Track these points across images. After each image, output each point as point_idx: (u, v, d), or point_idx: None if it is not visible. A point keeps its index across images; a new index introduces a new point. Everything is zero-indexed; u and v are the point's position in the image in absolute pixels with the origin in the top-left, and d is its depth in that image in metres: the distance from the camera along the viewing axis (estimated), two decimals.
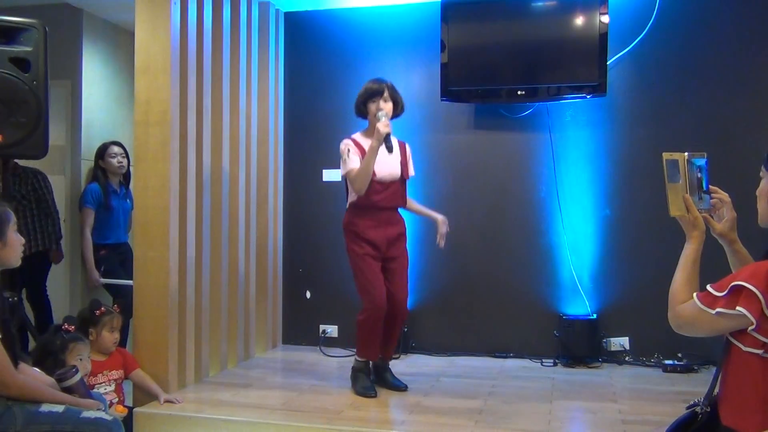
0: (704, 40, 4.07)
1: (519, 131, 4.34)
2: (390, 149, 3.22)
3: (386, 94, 3.32)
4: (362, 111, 3.39)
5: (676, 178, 1.79)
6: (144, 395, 3.23)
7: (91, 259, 4.27)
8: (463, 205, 4.38)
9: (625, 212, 4.18)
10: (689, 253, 1.76)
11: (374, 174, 3.27)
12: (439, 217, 3.50)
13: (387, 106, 3.31)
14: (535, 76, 4.11)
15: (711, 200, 1.86)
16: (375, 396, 3.33)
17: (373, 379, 3.48)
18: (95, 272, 4.26)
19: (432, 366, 3.99)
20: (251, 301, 4.26)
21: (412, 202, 3.59)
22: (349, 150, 3.31)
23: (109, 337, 3.12)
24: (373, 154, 3.21)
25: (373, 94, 3.33)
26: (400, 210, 3.50)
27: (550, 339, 4.17)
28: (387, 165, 3.33)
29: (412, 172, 3.51)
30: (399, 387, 3.46)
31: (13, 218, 2.28)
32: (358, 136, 3.41)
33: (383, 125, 3.19)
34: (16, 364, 2.23)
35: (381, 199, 3.34)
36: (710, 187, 1.85)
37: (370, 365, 3.49)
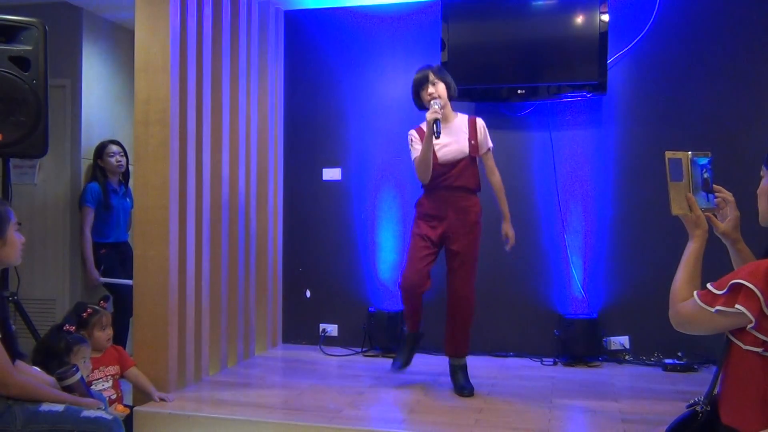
0: (704, 38, 4.06)
1: (519, 130, 4.34)
2: (437, 136, 3.20)
3: (432, 78, 3.34)
4: (417, 103, 3.45)
5: (679, 176, 1.79)
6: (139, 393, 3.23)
7: (91, 258, 4.26)
8: None
9: (625, 211, 4.17)
10: (691, 251, 1.76)
11: (436, 158, 3.34)
12: (507, 231, 3.54)
13: (438, 88, 3.32)
14: (535, 75, 4.11)
15: (715, 199, 1.86)
16: (398, 368, 3.51)
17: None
18: (95, 271, 4.26)
19: (432, 366, 3.98)
20: (251, 301, 4.26)
21: (498, 189, 3.52)
22: (412, 140, 3.42)
23: (102, 335, 3.09)
24: (428, 143, 3.25)
25: (420, 83, 3.37)
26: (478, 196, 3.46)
27: (550, 338, 4.17)
28: (448, 146, 3.36)
29: (486, 146, 3.47)
30: (462, 390, 3.39)
31: (14, 217, 2.28)
32: (423, 124, 3.38)
33: (430, 112, 3.21)
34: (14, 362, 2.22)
35: (445, 179, 3.37)
36: (714, 186, 1.85)
37: (417, 336, 3.58)
